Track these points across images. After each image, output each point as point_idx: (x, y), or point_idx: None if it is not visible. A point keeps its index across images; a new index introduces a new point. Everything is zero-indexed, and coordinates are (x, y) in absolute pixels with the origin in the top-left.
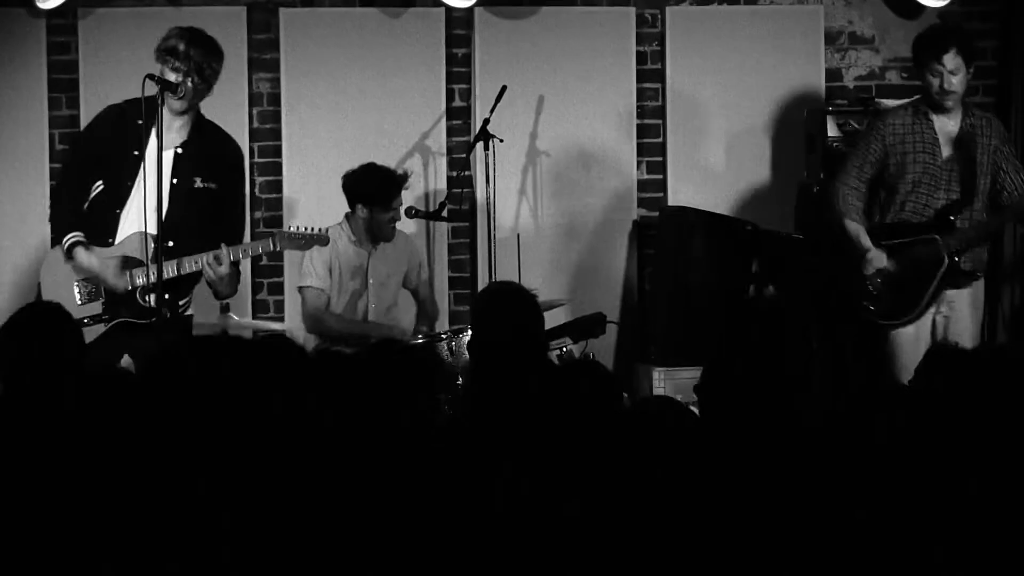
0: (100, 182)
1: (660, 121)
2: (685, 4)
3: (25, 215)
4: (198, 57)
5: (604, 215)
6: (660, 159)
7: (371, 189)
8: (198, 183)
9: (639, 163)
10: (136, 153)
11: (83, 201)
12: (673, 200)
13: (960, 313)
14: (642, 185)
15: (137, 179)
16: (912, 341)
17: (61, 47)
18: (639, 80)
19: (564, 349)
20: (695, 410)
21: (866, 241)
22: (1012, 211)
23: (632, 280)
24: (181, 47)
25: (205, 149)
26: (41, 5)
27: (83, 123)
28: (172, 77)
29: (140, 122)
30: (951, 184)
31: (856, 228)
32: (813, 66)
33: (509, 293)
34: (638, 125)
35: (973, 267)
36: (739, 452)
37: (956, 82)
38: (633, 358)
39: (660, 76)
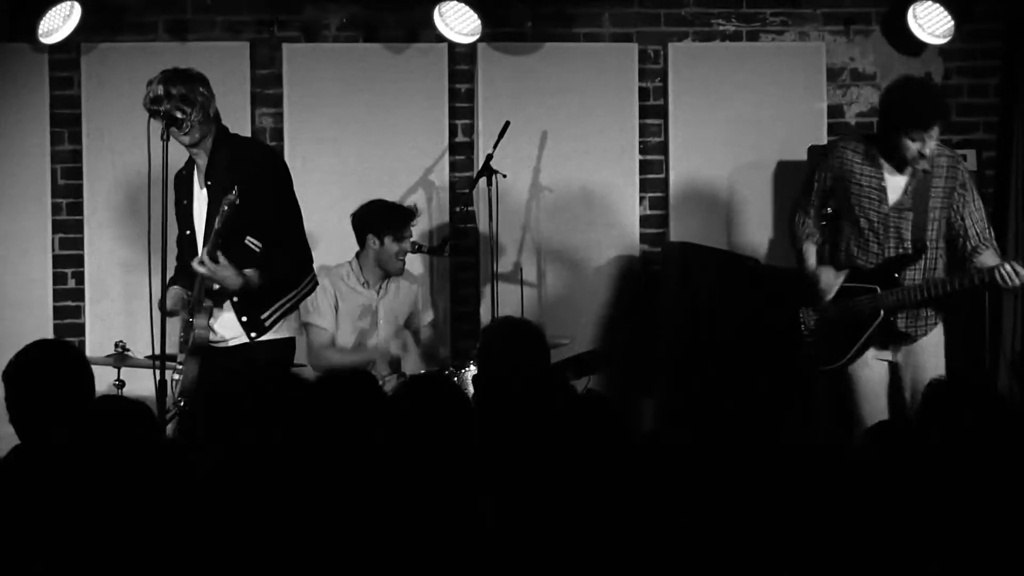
0: (178, 236)
1: (662, 157)
2: (687, 40)
3: (27, 249)
4: (183, 90)
5: (607, 251)
6: (662, 195)
7: (383, 217)
8: (223, 204)
9: (641, 199)
10: (185, 202)
11: (178, 258)
12: (675, 236)
13: (924, 365)
14: (644, 221)
15: (195, 225)
16: (876, 390)
17: (63, 82)
18: (641, 116)
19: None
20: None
21: (813, 263)
22: (944, 284)
23: (635, 315)
24: (161, 90)
25: (223, 167)
26: (44, 40)
27: (85, 158)
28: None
29: (184, 173)
30: (899, 234)
31: (807, 249)
32: (815, 102)
33: (515, 328)
34: (640, 161)
35: (914, 330)
36: (739, 485)
37: (933, 146)
38: (636, 393)
39: (662, 112)
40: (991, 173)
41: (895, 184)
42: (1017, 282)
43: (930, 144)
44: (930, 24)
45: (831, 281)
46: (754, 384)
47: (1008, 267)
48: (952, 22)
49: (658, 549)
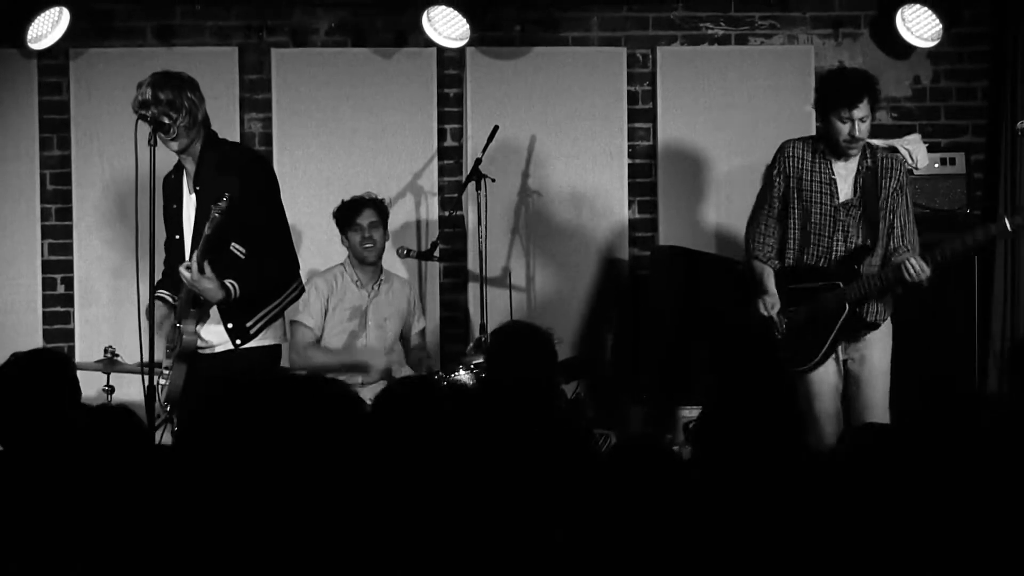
0: (167, 241)
1: (651, 161)
2: (676, 44)
3: (16, 256)
4: (171, 95)
5: (596, 254)
6: (651, 199)
7: (337, 216)
8: (213, 211)
9: (630, 202)
10: (175, 206)
11: (166, 262)
12: (664, 240)
13: (871, 358)
14: (633, 224)
15: (184, 230)
16: (828, 389)
17: (52, 87)
18: (630, 120)
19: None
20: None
21: (769, 284)
22: (891, 273)
23: (624, 319)
24: (149, 94)
25: (210, 173)
26: (33, 46)
27: (74, 163)
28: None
29: (173, 177)
30: (852, 228)
31: (762, 269)
32: (804, 105)
33: (523, 333)
34: (629, 165)
35: (876, 318)
36: (731, 492)
37: (864, 129)
38: (625, 397)
39: (651, 116)
40: (980, 176)
41: (844, 178)
42: (922, 276)
43: (859, 126)
44: (918, 27)
45: (771, 311)
46: (741, 388)
47: (912, 262)
48: (940, 25)
49: (634, 558)
